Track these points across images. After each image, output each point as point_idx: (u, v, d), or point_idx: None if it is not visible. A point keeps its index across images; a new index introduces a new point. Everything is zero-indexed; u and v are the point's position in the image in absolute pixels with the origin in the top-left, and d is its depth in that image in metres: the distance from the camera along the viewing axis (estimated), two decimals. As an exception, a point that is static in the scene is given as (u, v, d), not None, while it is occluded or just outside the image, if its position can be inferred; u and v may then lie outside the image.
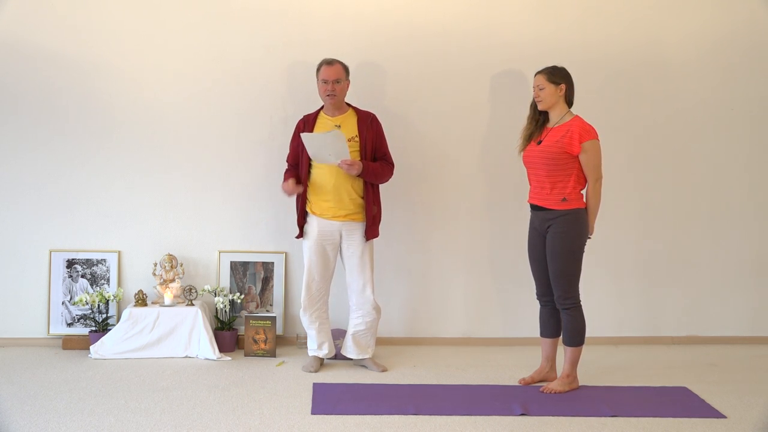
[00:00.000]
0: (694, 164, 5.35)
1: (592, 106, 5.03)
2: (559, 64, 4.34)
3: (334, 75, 4.50)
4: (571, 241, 4.22)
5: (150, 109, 5.05)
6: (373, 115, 4.68)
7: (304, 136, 4.43)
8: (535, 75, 4.30)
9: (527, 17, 5.17)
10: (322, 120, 4.59)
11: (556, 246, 4.23)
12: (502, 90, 5.18)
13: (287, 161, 4.72)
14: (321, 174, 4.53)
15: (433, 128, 5.18)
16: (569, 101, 4.30)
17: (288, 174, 4.64)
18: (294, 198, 4.65)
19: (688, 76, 5.29)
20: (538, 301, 4.48)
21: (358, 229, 4.60)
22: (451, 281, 5.27)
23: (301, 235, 4.63)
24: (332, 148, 4.39)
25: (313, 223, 4.57)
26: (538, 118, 4.35)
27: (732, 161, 5.37)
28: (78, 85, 4.99)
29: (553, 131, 4.24)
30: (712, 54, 5.28)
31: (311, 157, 4.48)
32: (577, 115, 4.27)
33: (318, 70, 4.56)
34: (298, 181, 4.58)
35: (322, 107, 4.65)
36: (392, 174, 4.68)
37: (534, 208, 4.35)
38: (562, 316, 4.32)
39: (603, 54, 5.21)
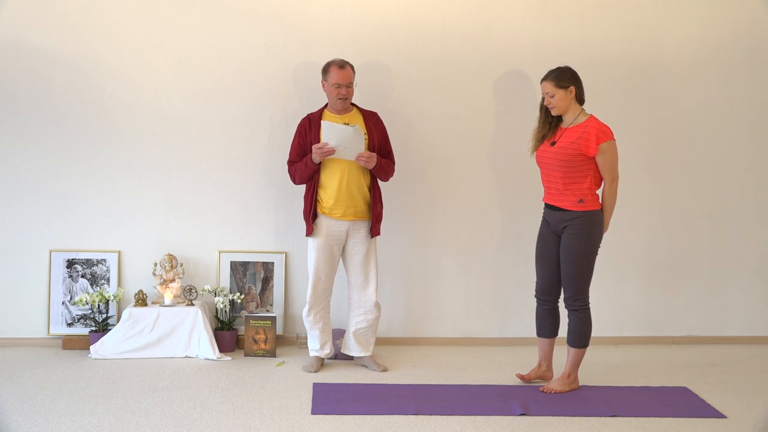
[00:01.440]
0: (694, 164, 5.35)
1: (591, 107, 5.02)
2: (561, 64, 4.32)
3: (347, 79, 4.50)
4: (587, 243, 4.20)
5: (150, 109, 5.04)
6: (377, 114, 4.70)
7: (326, 124, 4.42)
8: (542, 82, 4.25)
9: (528, 18, 5.16)
10: (329, 118, 4.58)
11: (572, 247, 4.20)
12: (503, 90, 5.17)
13: (290, 160, 4.66)
14: (331, 173, 4.52)
15: (434, 128, 5.18)
16: (580, 100, 4.27)
17: (301, 159, 4.58)
18: (296, 194, 4.64)
19: (688, 76, 5.29)
20: (535, 299, 4.47)
21: (364, 227, 4.62)
22: (451, 281, 5.27)
23: (310, 232, 4.60)
24: (350, 142, 4.41)
25: (322, 223, 4.57)
26: (551, 120, 4.30)
27: (732, 161, 5.37)
28: (78, 85, 4.99)
29: (568, 132, 4.21)
30: (713, 54, 5.28)
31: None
32: (592, 115, 4.23)
33: (326, 71, 4.54)
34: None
35: (326, 106, 4.66)
36: (394, 171, 4.71)
37: (550, 207, 4.31)
38: (569, 317, 4.31)
39: (603, 55, 5.20)
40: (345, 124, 4.50)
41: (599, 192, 4.26)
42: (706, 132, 5.34)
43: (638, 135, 5.28)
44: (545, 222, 4.37)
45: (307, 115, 4.66)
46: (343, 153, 4.45)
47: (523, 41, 5.16)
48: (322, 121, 4.47)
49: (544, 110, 4.32)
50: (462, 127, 5.20)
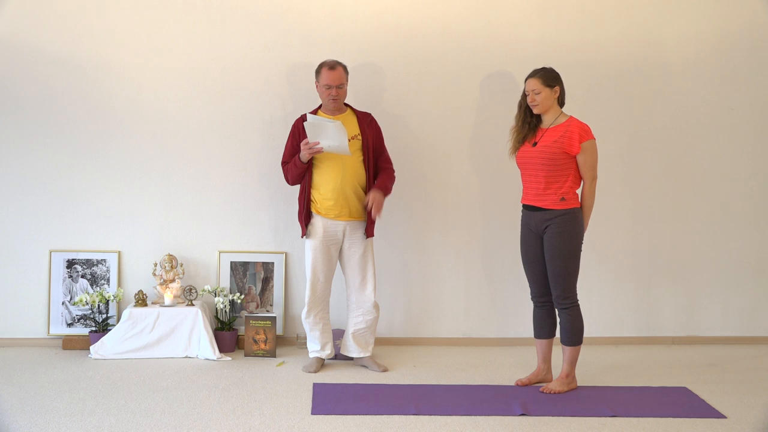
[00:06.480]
0: (693, 164, 5.35)
1: (591, 107, 5.05)
2: (548, 65, 4.33)
3: (337, 80, 4.50)
4: (571, 240, 4.22)
5: (150, 109, 5.05)
6: (371, 115, 4.70)
7: (308, 124, 4.39)
8: (527, 79, 4.27)
9: (526, 17, 5.17)
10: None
11: (557, 245, 4.22)
12: (501, 90, 5.17)
13: (283, 161, 4.66)
14: (324, 174, 4.52)
15: (432, 129, 5.18)
16: (561, 102, 4.30)
17: (292, 160, 4.57)
18: (296, 194, 4.65)
19: (688, 76, 5.29)
20: (532, 302, 4.47)
21: (360, 228, 4.62)
22: (451, 281, 5.27)
23: (304, 234, 4.61)
24: (333, 139, 4.38)
25: (318, 224, 4.56)
26: (530, 120, 4.33)
27: (731, 161, 5.37)
28: (78, 85, 4.99)
29: (550, 132, 4.23)
30: (712, 55, 5.28)
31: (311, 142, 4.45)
32: (572, 116, 4.27)
33: (318, 72, 4.55)
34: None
35: (320, 106, 4.66)
36: (395, 179, 4.72)
37: (530, 208, 4.33)
38: (560, 316, 4.32)
39: (603, 55, 5.20)
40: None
41: (578, 192, 4.28)
42: (706, 132, 5.34)
43: (638, 134, 5.28)
44: (525, 225, 4.38)
45: (302, 115, 4.65)
46: (331, 148, 4.42)
47: (522, 41, 5.16)
48: (306, 114, 4.44)
49: (524, 109, 4.33)
50: (461, 127, 5.20)
